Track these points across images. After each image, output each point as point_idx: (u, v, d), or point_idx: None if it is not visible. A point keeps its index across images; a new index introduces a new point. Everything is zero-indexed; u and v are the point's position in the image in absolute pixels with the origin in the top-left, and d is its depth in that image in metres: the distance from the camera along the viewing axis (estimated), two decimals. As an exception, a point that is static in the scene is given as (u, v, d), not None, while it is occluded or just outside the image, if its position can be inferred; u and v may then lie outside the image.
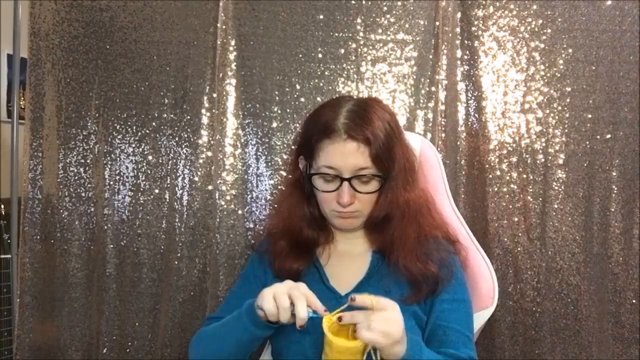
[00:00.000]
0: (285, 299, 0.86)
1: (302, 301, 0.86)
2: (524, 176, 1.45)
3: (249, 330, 0.93)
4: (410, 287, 1.01)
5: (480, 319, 1.12)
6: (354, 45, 1.46)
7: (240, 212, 1.47)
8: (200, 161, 1.48)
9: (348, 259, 1.09)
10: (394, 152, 1.00)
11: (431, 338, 1.00)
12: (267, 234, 1.17)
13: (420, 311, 1.01)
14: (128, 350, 1.49)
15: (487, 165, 1.46)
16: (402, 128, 1.07)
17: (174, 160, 1.49)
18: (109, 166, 1.49)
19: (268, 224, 1.26)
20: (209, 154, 1.48)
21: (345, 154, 0.97)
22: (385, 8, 1.45)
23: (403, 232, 1.02)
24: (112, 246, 1.49)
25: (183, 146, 1.49)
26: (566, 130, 1.45)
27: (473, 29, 1.45)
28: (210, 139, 1.48)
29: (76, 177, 1.49)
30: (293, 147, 1.16)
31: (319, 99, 1.45)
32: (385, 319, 0.81)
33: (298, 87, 1.47)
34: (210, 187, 1.48)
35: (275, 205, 1.37)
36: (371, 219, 1.04)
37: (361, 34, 1.46)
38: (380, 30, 1.46)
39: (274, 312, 0.87)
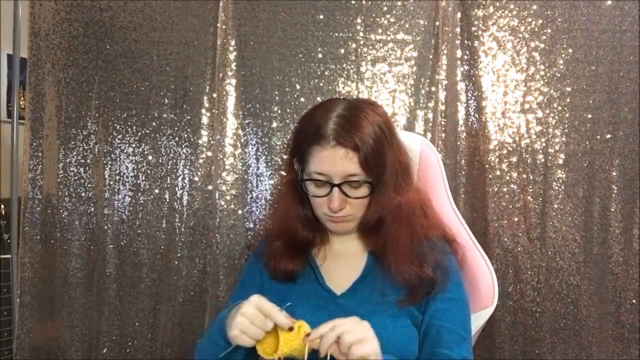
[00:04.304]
0: (255, 330, 0.85)
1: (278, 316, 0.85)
2: (524, 176, 1.45)
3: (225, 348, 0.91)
4: (406, 290, 1.00)
5: (480, 319, 1.12)
6: (354, 45, 1.46)
7: (240, 212, 1.47)
8: (200, 161, 1.48)
9: (344, 259, 1.08)
10: (384, 157, 0.98)
11: (425, 337, 0.99)
12: (264, 234, 1.17)
13: (416, 310, 1.01)
14: (128, 350, 1.49)
15: (487, 165, 1.46)
16: (395, 130, 1.05)
17: (174, 160, 1.49)
18: (109, 166, 1.49)
19: (266, 224, 1.26)
20: (209, 154, 1.48)
21: (334, 161, 0.96)
22: (385, 8, 1.45)
23: (396, 236, 1.01)
24: (112, 246, 1.49)
25: (183, 146, 1.49)
26: (566, 130, 1.45)
27: (473, 29, 1.45)
28: (210, 139, 1.48)
29: (76, 177, 1.50)
30: (290, 147, 1.16)
31: (319, 99, 1.45)
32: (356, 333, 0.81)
33: (298, 87, 1.47)
34: (210, 187, 1.48)
35: (274, 206, 1.37)
36: (364, 222, 1.03)
37: (361, 34, 1.46)
38: (380, 30, 1.46)
39: (244, 342, 0.86)
